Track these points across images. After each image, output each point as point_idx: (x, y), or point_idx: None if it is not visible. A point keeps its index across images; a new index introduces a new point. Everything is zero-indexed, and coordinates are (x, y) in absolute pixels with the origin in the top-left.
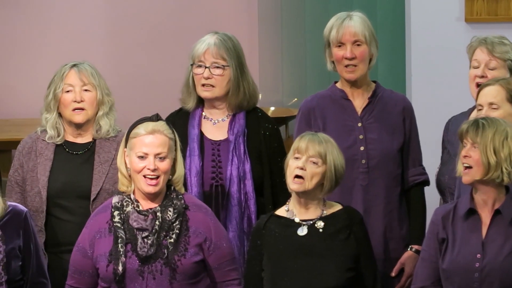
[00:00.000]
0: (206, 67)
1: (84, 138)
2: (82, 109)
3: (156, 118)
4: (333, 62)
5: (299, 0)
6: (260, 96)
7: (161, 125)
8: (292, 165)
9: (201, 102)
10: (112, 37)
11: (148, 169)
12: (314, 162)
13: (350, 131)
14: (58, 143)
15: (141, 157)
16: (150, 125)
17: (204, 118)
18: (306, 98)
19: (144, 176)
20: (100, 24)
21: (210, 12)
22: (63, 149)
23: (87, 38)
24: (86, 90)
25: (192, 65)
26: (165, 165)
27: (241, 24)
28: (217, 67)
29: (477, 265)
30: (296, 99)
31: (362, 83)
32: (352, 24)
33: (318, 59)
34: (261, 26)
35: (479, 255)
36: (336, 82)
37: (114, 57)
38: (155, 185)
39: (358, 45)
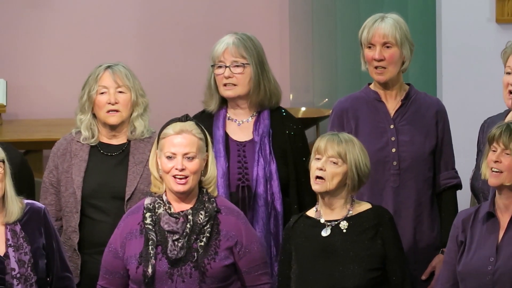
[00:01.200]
0: (226, 67)
1: (119, 140)
2: (116, 110)
3: (185, 118)
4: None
5: (330, 1)
6: (291, 97)
7: (190, 125)
8: (313, 166)
9: (223, 103)
10: (145, 37)
11: (176, 169)
12: (333, 162)
13: (382, 133)
14: (93, 144)
15: (170, 158)
16: (178, 125)
17: (229, 119)
18: (339, 98)
19: (174, 177)
20: (133, 25)
21: (241, 13)
22: (98, 151)
23: (120, 38)
24: (120, 92)
25: (212, 66)
26: (193, 165)
27: (272, 24)
28: (237, 66)
29: (489, 268)
30: (326, 99)
31: (394, 85)
32: (382, 26)
33: (349, 60)
34: (292, 26)
35: (492, 258)
36: (369, 83)
37: (146, 58)
38: (184, 184)
39: (388, 47)
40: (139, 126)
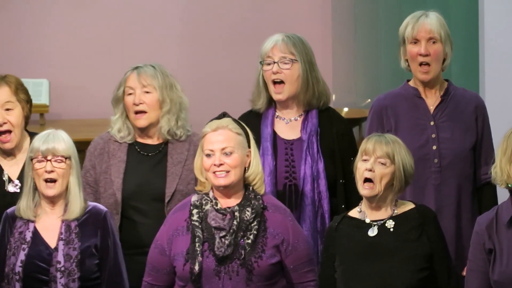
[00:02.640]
0: (274, 63)
1: (154, 140)
2: (143, 112)
3: (222, 115)
4: (407, 60)
5: (373, 1)
6: (333, 97)
7: (226, 121)
8: (361, 168)
9: (271, 102)
10: (188, 37)
11: (215, 165)
12: (382, 163)
13: (422, 130)
14: (130, 142)
15: (209, 155)
16: (215, 123)
17: (277, 117)
18: (378, 96)
19: (214, 173)
20: (176, 25)
21: (284, 13)
22: (135, 150)
23: (164, 38)
24: (146, 92)
25: (261, 63)
26: (232, 159)
27: (315, 25)
28: (285, 62)
29: None
30: (369, 100)
31: (435, 82)
32: (428, 21)
33: (391, 60)
34: (334, 27)
35: None
36: (408, 80)
37: (189, 58)
38: (224, 177)
39: (434, 42)
40: (164, 124)
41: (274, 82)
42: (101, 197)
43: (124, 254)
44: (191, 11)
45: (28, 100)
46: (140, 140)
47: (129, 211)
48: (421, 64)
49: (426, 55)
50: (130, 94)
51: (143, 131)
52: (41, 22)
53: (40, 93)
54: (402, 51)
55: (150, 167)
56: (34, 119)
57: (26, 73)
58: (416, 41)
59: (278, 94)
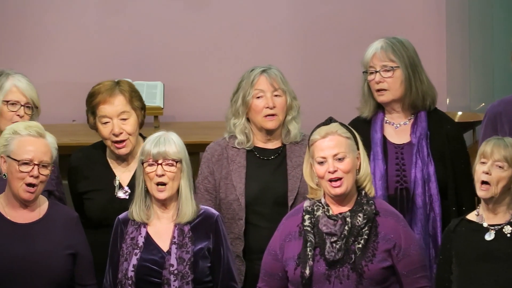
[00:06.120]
0: (376, 72)
1: (274, 144)
2: (274, 115)
3: (329, 121)
4: None
5: (487, 3)
6: (447, 101)
7: (334, 126)
8: (479, 170)
9: (379, 107)
10: (299, 41)
11: (329, 172)
12: (499, 166)
13: None
14: (248, 148)
15: (321, 163)
16: (323, 129)
17: (386, 122)
18: (493, 102)
19: (329, 181)
20: (287, 29)
21: (398, 18)
22: (254, 155)
23: (275, 42)
24: (276, 95)
25: (365, 72)
26: (345, 165)
27: (429, 29)
28: (387, 70)
29: None
30: (483, 104)
31: None
32: None
33: (506, 63)
34: (449, 31)
35: None
36: None
37: (301, 62)
38: (339, 186)
39: None
40: (293, 129)
41: (378, 90)
42: (221, 203)
43: (248, 259)
44: (304, 15)
45: (143, 107)
46: (259, 144)
47: (251, 216)
48: None
49: None
50: (260, 97)
51: (269, 133)
52: (155, 25)
53: (154, 95)
54: None
55: (270, 171)
56: (149, 121)
57: (141, 75)
58: None
59: (381, 96)
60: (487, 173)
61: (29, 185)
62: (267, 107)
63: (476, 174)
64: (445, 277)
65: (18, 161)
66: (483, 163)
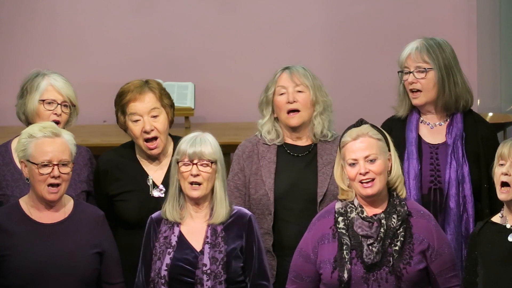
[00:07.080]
0: (410, 72)
1: (304, 141)
2: (296, 110)
3: (360, 123)
4: None
5: None
6: (478, 102)
7: (365, 128)
8: (497, 173)
9: (414, 107)
10: (332, 42)
11: (360, 174)
12: None
13: None
14: (279, 144)
15: (352, 164)
16: (354, 131)
17: (421, 122)
18: None
19: (360, 182)
20: (320, 29)
21: (429, 18)
22: (285, 151)
23: (307, 43)
24: (299, 91)
25: (400, 72)
26: (377, 166)
27: (460, 29)
28: (420, 71)
29: None
30: None
31: None
32: None
33: None
34: (480, 31)
35: None
36: None
37: (333, 63)
38: (371, 186)
39: None
40: (317, 125)
41: (412, 91)
42: (251, 199)
43: (276, 255)
44: (335, 17)
45: (172, 105)
46: (289, 141)
47: (281, 211)
48: None
49: None
50: (282, 94)
51: (294, 130)
52: (186, 26)
53: (185, 96)
54: None
55: (300, 167)
56: (179, 122)
57: (172, 76)
58: None
59: (415, 99)
60: (506, 174)
61: (52, 185)
62: (288, 102)
63: (495, 177)
64: (472, 279)
65: (37, 164)
66: (502, 165)
